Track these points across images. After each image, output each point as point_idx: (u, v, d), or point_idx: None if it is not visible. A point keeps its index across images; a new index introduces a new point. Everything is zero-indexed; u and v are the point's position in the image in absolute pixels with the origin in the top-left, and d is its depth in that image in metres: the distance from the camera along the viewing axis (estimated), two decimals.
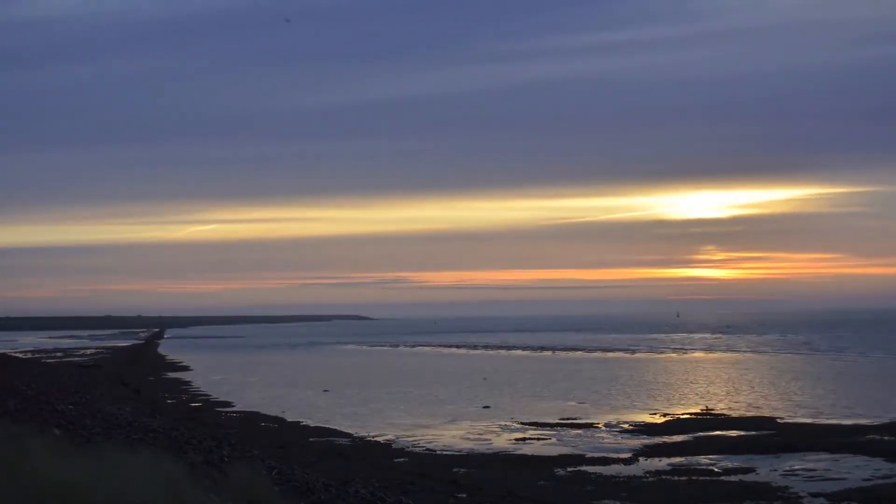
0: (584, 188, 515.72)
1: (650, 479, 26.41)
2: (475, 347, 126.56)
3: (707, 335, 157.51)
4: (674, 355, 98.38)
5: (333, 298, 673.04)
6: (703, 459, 29.72)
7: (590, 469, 28.03)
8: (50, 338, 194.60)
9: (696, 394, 53.54)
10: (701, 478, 26.37)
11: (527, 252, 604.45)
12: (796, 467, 27.93)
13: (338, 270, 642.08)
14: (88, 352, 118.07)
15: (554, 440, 34.96)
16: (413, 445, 33.67)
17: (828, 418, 40.20)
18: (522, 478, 26.47)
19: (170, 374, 76.59)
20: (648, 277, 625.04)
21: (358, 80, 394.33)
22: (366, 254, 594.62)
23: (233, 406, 49.06)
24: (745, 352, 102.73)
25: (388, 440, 35.14)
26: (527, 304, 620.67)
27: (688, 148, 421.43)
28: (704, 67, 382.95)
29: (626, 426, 38.51)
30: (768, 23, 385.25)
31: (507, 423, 40.01)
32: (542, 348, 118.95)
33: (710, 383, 60.94)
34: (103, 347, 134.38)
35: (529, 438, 35.43)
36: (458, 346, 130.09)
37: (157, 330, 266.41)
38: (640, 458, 30.04)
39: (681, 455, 30.44)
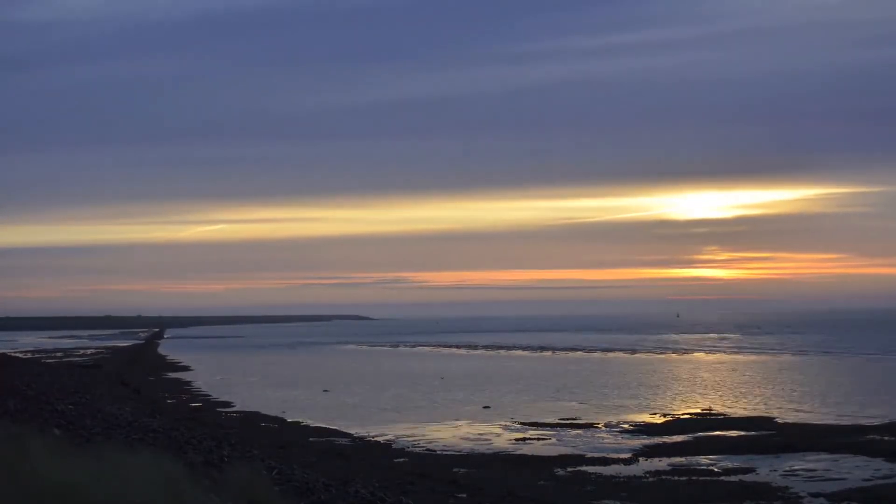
0: (585, 188, 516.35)
1: (650, 479, 26.40)
2: (475, 347, 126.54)
3: (708, 335, 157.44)
4: (674, 355, 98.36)
5: (333, 298, 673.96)
6: (703, 459, 29.71)
7: (590, 469, 28.02)
8: (50, 338, 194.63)
9: (697, 394, 53.55)
10: (701, 478, 26.36)
11: (527, 252, 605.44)
12: (796, 467, 27.92)
13: (338, 270, 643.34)
14: (88, 352, 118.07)
15: (554, 440, 34.95)
16: (413, 445, 33.66)
17: (828, 418, 40.18)
18: (522, 478, 26.46)
19: (170, 374, 76.59)
20: (651, 277, 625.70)
21: (359, 81, 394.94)
22: (366, 254, 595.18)
23: (233, 406, 49.05)
24: (745, 352, 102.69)
25: (388, 440, 35.13)
26: (527, 304, 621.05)
27: (690, 148, 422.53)
28: (707, 69, 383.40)
29: (626, 426, 38.50)
30: (771, 24, 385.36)
31: (507, 423, 40.00)
32: (543, 348, 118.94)
33: (710, 383, 60.91)
34: (103, 347, 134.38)
35: (529, 438, 35.42)
36: (458, 347, 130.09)
37: (157, 330, 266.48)
38: (640, 459, 30.03)
39: (681, 455, 30.42)
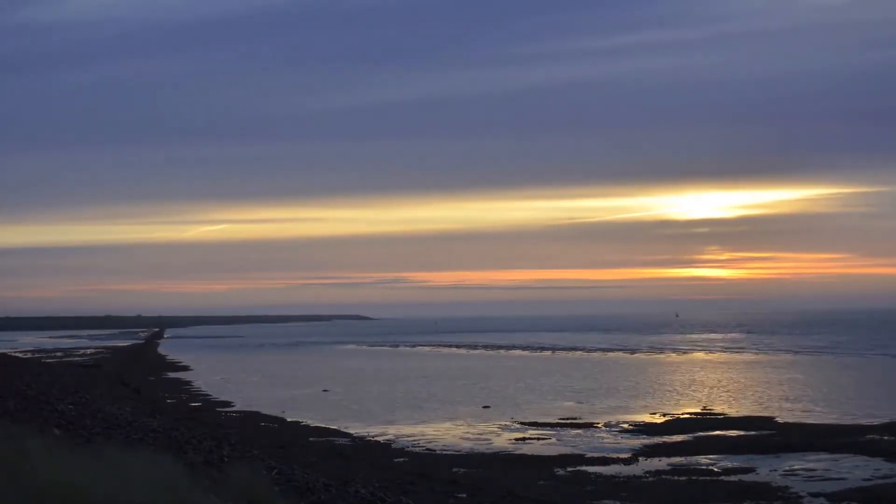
0: (585, 188, 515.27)
1: (650, 479, 26.40)
2: (475, 347, 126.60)
3: (708, 335, 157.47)
4: (674, 355, 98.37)
5: (333, 298, 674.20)
6: (703, 459, 29.72)
7: (590, 469, 28.03)
8: (50, 338, 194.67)
9: (696, 393, 53.54)
10: (701, 478, 26.37)
11: (527, 252, 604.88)
12: (796, 467, 27.93)
13: (338, 270, 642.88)
14: (88, 352, 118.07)
15: (554, 440, 34.95)
16: (413, 445, 33.67)
17: (828, 418, 40.17)
18: (522, 478, 26.45)
19: (170, 373, 76.59)
20: (652, 277, 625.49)
21: (359, 81, 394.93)
22: (366, 254, 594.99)
23: (233, 406, 49.05)
24: (746, 352, 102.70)
25: (388, 440, 35.14)
26: (527, 304, 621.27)
27: (692, 148, 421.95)
28: (709, 70, 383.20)
29: (626, 426, 38.51)
30: (772, 25, 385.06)
31: (507, 423, 40.01)
32: (542, 348, 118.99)
33: (710, 383, 60.90)
34: (103, 347, 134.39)
35: (529, 438, 35.42)
36: (458, 346, 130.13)
37: (157, 330, 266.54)
38: (640, 458, 30.03)
39: (681, 455, 30.43)
